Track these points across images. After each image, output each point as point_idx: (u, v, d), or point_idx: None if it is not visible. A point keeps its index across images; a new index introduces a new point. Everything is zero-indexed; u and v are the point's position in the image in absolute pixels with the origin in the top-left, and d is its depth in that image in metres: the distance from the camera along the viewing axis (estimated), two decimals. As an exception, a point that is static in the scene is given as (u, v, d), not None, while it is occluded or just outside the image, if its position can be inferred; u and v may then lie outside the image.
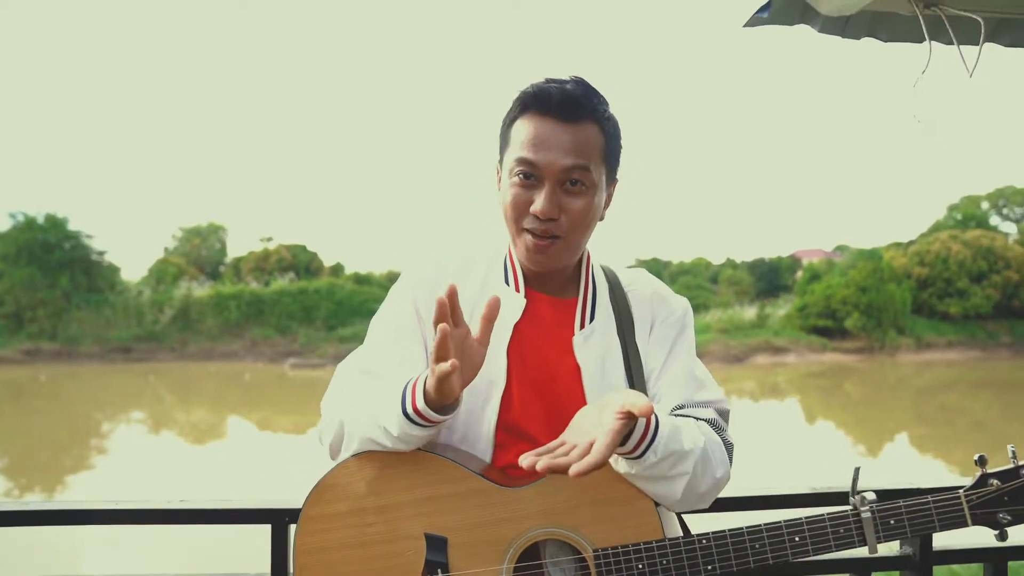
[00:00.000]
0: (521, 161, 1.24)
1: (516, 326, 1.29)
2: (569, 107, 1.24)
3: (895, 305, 30.18)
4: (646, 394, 1.30)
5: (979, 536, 1.72)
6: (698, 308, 31.38)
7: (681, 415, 1.28)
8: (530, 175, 1.24)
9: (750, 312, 30.35)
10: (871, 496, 1.19)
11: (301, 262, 33.43)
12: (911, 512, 1.17)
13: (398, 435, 1.15)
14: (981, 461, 1.17)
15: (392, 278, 34.81)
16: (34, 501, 1.30)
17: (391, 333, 1.31)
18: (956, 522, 1.17)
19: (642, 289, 1.38)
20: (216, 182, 61.59)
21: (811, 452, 12.07)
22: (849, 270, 31.84)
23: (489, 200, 1.36)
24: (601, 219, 1.34)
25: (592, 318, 1.32)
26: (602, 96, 1.29)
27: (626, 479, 1.18)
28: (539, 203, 1.23)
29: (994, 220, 39.06)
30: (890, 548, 1.67)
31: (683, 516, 1.31)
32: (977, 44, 1.78)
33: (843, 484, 1.72)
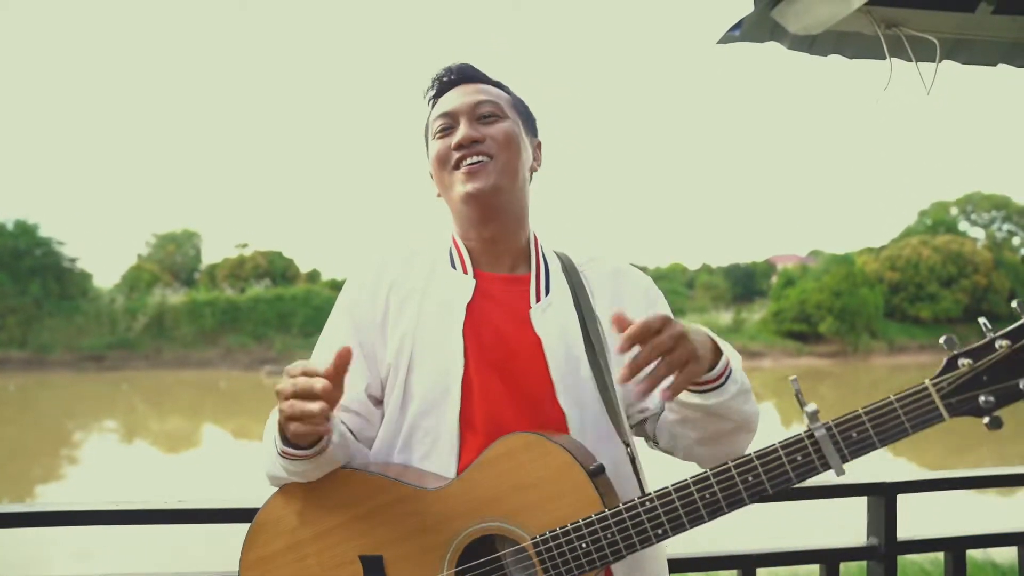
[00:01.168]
0: (437, 118, 1.30)
1: (468, 307, 1.24)
2: (466, 73, 1.33)
3: (868, 309, 30.71)
4: (603, 362, 1.24)
5: (943, 527, 1.80)
6: (675, 313, 31.52)
7: None
8: (447, 126, 1.28)
9: (726, 317, 30.71)
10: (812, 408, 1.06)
11: (277, 268, 33.18)
12: (874, 418, 1.01)
13: (286, 473, 1.13)
14: (949, 343, 1.01)
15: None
16: (38, 503, 1.32)
17: (327, 353, 1.19)
18: (930, 418, 1.00)
19: (599, 266, 1.35)
20: (191, 188, 60.89)
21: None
22: (823, 275, 32.35)
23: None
24: (534, 170, 1.35)
25: (548, 291, 1.28)
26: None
27: (549, 452, 1.09)
28: (458, 134, 1.26)
29: (963, 226, 39.91)
30: (857, 538, 1.74)
31: (641, 475, 1.21)
32: (935, 61, 1.89)
33: (873, 475, 1.76)
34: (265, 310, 29.45)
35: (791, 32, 1.89)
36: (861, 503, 1.76)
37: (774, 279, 37.89)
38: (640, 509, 1.06)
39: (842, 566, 1.71)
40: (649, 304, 1.32)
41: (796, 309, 30.67)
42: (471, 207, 1.26)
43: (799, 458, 1.04)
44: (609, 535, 1.06)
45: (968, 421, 1.05)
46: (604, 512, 1.07)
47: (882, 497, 1.72)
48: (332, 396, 1.02)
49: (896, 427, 1.01)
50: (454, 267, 1.30)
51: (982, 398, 1.00)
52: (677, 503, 1.05)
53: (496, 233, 1.29)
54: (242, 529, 1.17)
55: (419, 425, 1.20)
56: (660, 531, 1.06)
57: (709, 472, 1.05)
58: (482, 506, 1.09)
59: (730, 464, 1.05)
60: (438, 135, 1.30)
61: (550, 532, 1.07)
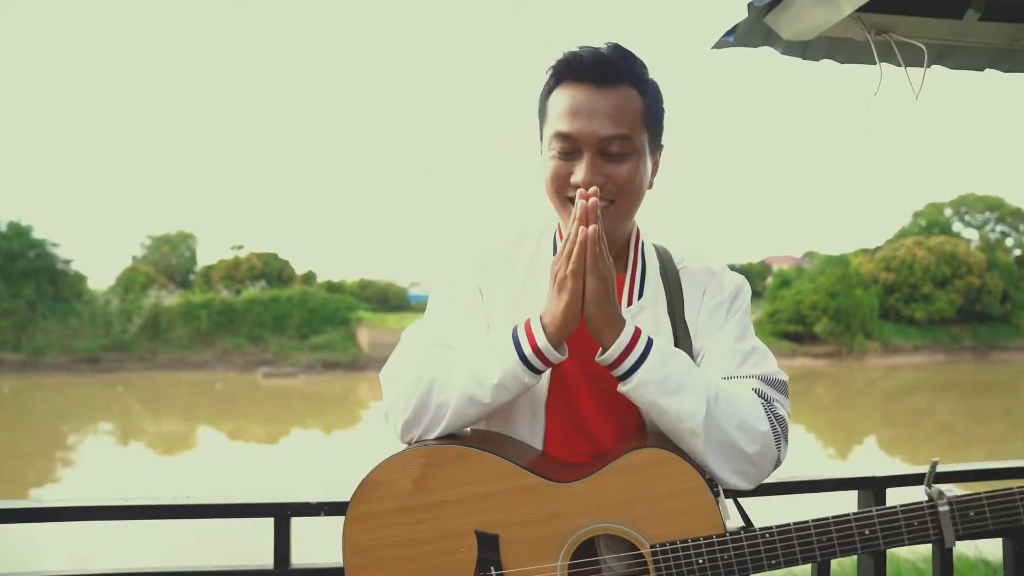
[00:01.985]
0: (558, 136, 1.19)
1: None
2: (603, 70, 1.18)
3: (863, 310, 30.82)
4: None
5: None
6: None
7: None
8: (568, 150, 1.20)
9: (721, 318, 30.64)
10: (951, 492, 1.12)
11: (273, 270, 33.17)
12: (994, 503, 1.09)
13: (502, 382, 1.12)
14: None
15: (365, 286, 34.65)
16: (44, 499, 1.34)
17: (459, 309, 1.27)
18: None
19: (694, 264, 1.32)
20: (186, 189, 60.74)
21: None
22: (818, 276, 32.46)
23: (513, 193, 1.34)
24: (650, 187, 1.28)
25: (641, 295, 1.27)
26: (640, 59, 1.23)
27: (683, 472, 1.12)
28: (579, 173, 1.18)
29: (957, 227, 40.11)
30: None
31: (744, 508, 1.23)
32: (923, 67, 1.93)
33: (865, 470, 1.81)
34: (261, 312, 29.44)
35: (784, 38, 1.92)
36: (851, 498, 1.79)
37: (769, 280, 38.02)
38: (760, 540, 1.12)
39: (834, 562, 1.74)
40: (728, 307, 1.29)
41: (791, 310, 30.77)
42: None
43: (915, 523, 1.12)
44: (726, 556, 1.11)
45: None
46: (725, 535, 1.12)
47: (871, 491, 1.75)
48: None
49: (1011, 514, 1.09)
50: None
51: None
52: (795, 539, 1.11)
53: None
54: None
55: (504, 410, 1.21)
56: (774, 561, 1.12)
57: (830, 519, 1.12)
58: (608, 507, 1.13)
59: (851, 516, 1.12)
60: (555, 153, 1.21)
61: (670, 543, 1.11)
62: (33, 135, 60.57)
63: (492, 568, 1.12)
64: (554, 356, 1.12)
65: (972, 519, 1.09)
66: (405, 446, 1.17)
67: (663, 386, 1.13)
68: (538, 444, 1.23)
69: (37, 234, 28.81)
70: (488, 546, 1.12)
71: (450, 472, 1.14)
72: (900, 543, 1.11)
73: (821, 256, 38.21)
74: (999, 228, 40.61)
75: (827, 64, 2.16)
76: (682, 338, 1.25)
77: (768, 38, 2.01)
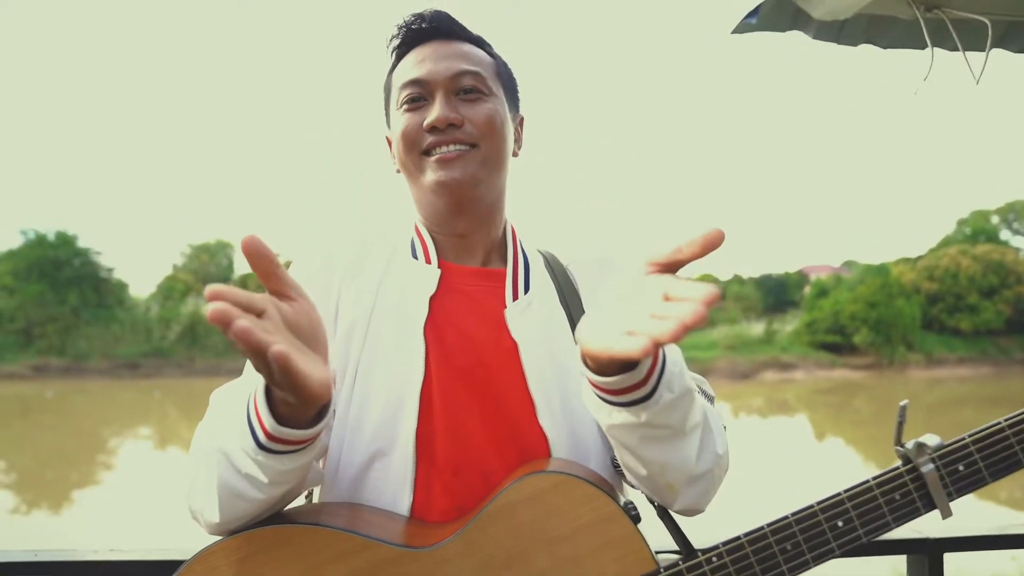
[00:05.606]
0: (405, 85, 1.06)
1: (432, 302, 1.04)
2: (442, 24, 1.08)
3: (904, 320, 29.99)
4: None
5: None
6: (706, 324, 31.26)
7: None
8: (417, 96, 1.05)
9: (757, 328, 30.19)
10: (933, 440, 0.88)
11: (308, 278, 33.47)
12: (983, 447, 0.86)
13: (259, 476, 0.80)
14: None
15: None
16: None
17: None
18: None
19: (584, 259, 1.14)
20: (224, 199, 61.93)
21: (821, 469, 11.94)
22: (857, 285, 31.70)
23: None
24: (515, 156, 1.13)
25: (527, 289, 1.08)
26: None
27: (589, 499, 0.85)
28: (431, 113, 1.03)
29: (1005, 235, 38.80)
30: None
31: (681, 526, 0.97)
32: (983, 50, 1.64)
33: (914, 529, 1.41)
34: (296, 319, 29.71)
35: (816, 19, 1.70)
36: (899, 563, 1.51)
37: (807, 289, 37.24)
38: (706, 568, 0.87)
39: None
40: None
41: (830, 320, 30.05)
42: (443, 198, 1.05)
43: (898, 497, 0.87)
44: None
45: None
46: (658, 570, 0.87)
47: (925, 556, 1.39)
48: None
49: (1008, 457, 0.87)
50: (415, 257, 1.09)
51: None
52: (751, 556, 0.86)
53: (469, 227, 1.09)
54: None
55: (358, 445, 0.97)
56: None
57: (789, 517, 0.88)
58: (500, 568, 0.84)
59: (815, 506, 0.88)
60: (405, 106, 1.06)
61: None
62: (81, 150, 62.39)
63: None
64: (294, 436, 0.78)
65: (963, 474, 0.86)
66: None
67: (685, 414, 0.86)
68: (404, 505, 0.95)
69: (82, 243, 29.58)
70: None
71: (275, 560, 0.84)
72: (885, 528, 0.86)
73: (860, 265, 37.26)
74: (1049, 236, 39.21)
75: (866, 49, 2.00)
76: None
77: (797, 19, 1.78)
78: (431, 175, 1.04)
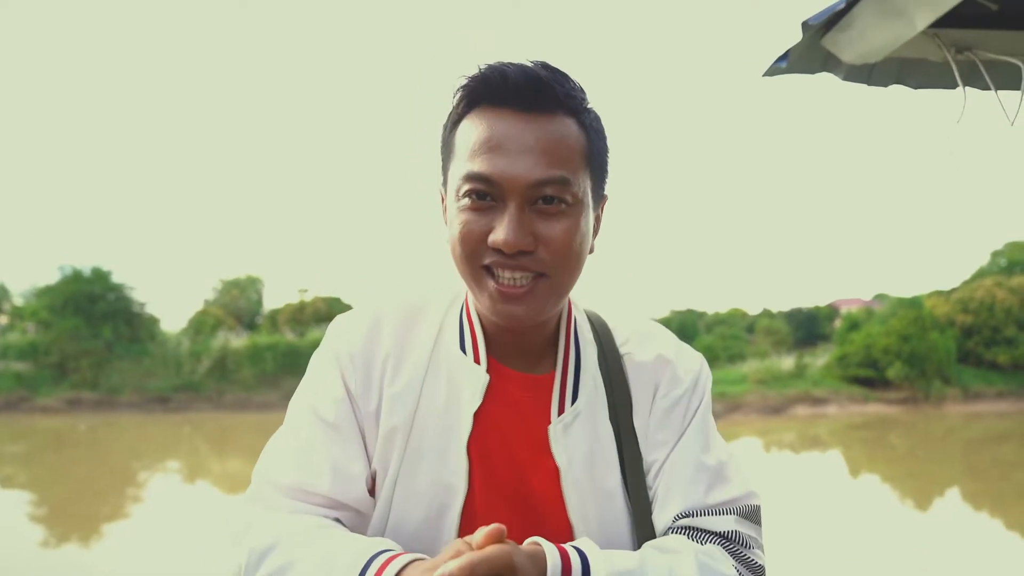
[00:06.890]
0: (471, 178, 0.89)
1: (477, 414, 0.97)
2: (534, 92, 0.89)
3: (939, 354, 29.35)
4: (645, 497, 0.98)
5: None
6: (734, 358, 30.85)
7: (685, 526, 0.97)
8: (485, 194, 0.90)
9: (788, 362, 29.73)
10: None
11: (336, 313, 33.69)
12: None
13: None
14: None
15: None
16: None
17: (318, 428, 0.99)
18: None
19: (642, 352, 1.04)
20: (255, 235, 63.06)
21: (856, 506, 11.63)
22: (889, 318, 31.17)
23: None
24: (591, 252, 0.99)
25: (575, 397, 1.00)
26: (576, 82, 0.94)
27: None
28: (500, 231, 0.88)
29: (1040, 267, 37.99)
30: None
31: None
32: (1018, 89, 1.63)
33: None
34: (323, 354, 29.90)
35: (846, 61, 1.72)
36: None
37: (837, 323, 36.68)
38: None
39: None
40: (686, 407, 1.03)
41: (862, 354, 29.50)
42: (502, 321, 0.96)
43: None
44: None
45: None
46: None
47: None
48: None
49: None
50: (463, 350, 1.00)
51: None
52: None
53: (525, 334, 1.01)
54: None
55: (401, 543, 0.94)
56: None
57: None
58: None
59: None
60: (467, 201, 0.91)
61: None
62: (116, 187, 64.15)
63: None
64: None
65: None
66: None
67: None
68: None
69: (116, 278, 30.25)
70: None
71: None
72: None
73: (892, 298, 36.70)
74: (1088, 268, 38.26)
75: (897, 89, 2.02)
76: (629, 450, 0.99)
77: (827, 62, 1.81)
78: (490, 300, 0.94)
